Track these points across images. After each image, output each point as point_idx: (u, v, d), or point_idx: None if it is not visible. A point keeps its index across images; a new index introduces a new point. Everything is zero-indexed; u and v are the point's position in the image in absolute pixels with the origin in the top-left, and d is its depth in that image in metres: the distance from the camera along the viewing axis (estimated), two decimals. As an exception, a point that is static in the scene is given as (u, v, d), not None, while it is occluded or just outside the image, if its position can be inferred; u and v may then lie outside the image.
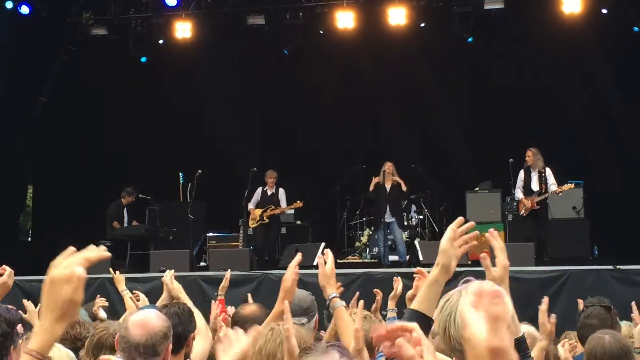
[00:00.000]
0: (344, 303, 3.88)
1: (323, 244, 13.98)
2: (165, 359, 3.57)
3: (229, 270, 7.47)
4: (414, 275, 4.57)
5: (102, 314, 6.27)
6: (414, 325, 1.70)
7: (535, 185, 13.55)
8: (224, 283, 7.08)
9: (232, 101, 17.40)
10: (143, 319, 3.57)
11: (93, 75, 17.37)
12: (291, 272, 4.00)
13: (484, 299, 1.33)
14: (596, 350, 4.27)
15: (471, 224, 3.27)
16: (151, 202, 15.73)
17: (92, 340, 5.26)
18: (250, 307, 4.62)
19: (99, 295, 7.22)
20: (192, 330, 4.20)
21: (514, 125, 16.34)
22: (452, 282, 2.89)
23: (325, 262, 3.80)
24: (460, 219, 3.26)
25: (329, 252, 3.84)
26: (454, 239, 3.18)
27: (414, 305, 3.09)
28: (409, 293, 4.56)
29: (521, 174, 13.75)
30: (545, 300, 4.79)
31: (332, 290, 3.80)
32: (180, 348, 4.02)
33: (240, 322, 4.50)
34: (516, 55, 16.43)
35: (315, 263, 13.18)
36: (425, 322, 3.03)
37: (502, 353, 1.29)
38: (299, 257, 4.03)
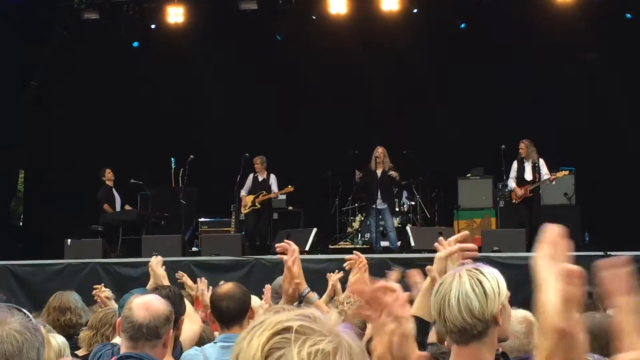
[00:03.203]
0: (317, 296, 3.90)
1: (315, 230, 14.01)
2: (166, 344, 3.60)
3: (183, 274, 7.38)
4: (348, 260, 4.53)
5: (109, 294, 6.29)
6: (397, 285, 1.70)
7: (528, 175, 13.60)
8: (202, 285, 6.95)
9: (224, 86, 17.35)
10: (147, 301, 3.62)
11: (84, 60, 17.31)
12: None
13: (563, 273, 1.30)
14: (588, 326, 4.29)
15: (465, 234, 3.36)
16: (143, 187, 15.72)
17: (97, 316, 5.37)
18: (227, 285, 4.64)
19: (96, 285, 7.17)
20: (182, 313, 4.22)
21: (506, 112, 16.35)
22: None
23: (292, 265, 3.74)
24: (448, 240, 3.33)
25: (294, 250, 3.76)
26: (450, 253, 3.26)
27: (412, 311, 3.11)
28: (352, 278, 4.55)
29: (514, 164, 13.79)
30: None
31: (303, 286, 3.79)
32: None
33: (217, 300, 4.52)
34: (508, 41, 16.40)
35: (307, 249, 13.23)
36: (424, 326, 3.06)
37: (568, 336, 1.27)
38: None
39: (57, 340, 4.34)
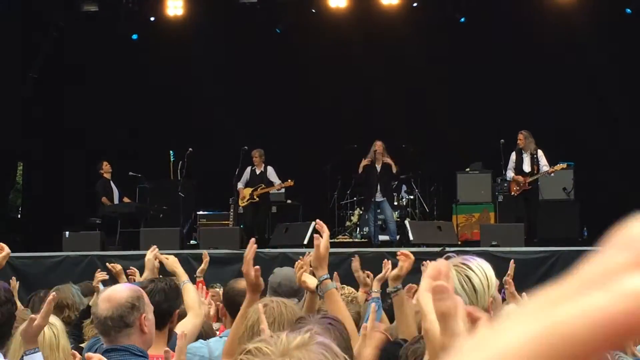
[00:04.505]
0: (335, 285, 3.87)
1: (313, 223, 13.97)
2: (143, 329, 3.56)
3: (206, 252, 7.51)
4: (397, 257, 4.65)
5: (103, 289, 6.22)
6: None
7: (527, 167, 13.58)
8: (203, 266, 7.18)
9: (224, 79, 17.33)
10: (109, 293, 3.62)
11: (83, 52, 17.27)
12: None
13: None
14: None
15: None
16: (142, 179, 15.70)
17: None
18: (244, 282, 4.64)
19: (99, 270, 7.18)
20: (177, 307, 4.20)
21: (505, 106, 16.32)
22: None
23: (320, 244, 3.76)
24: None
25: (324, 230, 3.78)
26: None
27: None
28: (393, 273, 4.62)
29: (513, 155, 13.78)
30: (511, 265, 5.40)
31: (323, 272, 3.78)
32: (164, 324, 4.02)
33: (238, 295, 4.52)
34: (508, 35, 16.38)
35: (305, 242, 13.20)
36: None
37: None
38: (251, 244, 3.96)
39: (51, 329, 4.27)
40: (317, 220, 3.81)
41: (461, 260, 2.69)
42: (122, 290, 3.62)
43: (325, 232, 3.77)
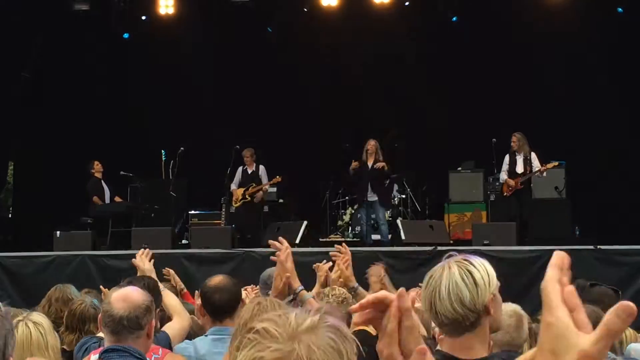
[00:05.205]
0: (311, 295, 3.90)
1: (305, 222, 14.00)
2: (150, 334, 3.58)
3: (170, 270, 7.54)
4: (333, 254, 4.65)
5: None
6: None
7: (520, 168, 13.69)
8: (174, 281, 7.24)
9: (215, 78, 17.30)
10: (125, 293, 3.60)
11: (75, 51, 17.22)
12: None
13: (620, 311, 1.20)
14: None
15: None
16: (133, 179, 15.67)
17: (74, 314, 5.22)
18: (218, 278, 4.63)
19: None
20: (157, 306, 4.19)
21: (497, 105, 16.33)
22: (436, 259, 2.89)
23: (285, 260, 3.74)
24: None
25: (285, 245, 3.76)
26: None
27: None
28: (334, 276, 4.65)
29: (507, 157, 13.89)
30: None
31: (296, 283, 3.78)
32: None
33: (209, 292, 4.51)
34: (500, 35, 16.39)
35: (297, 241, 13.20)
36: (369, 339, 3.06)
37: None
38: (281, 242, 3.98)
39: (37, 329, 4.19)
40: (269, 241, 3.79)
41: (463, 257, 2.73)
42: (137, 292, 3.62)
43: (286, 246, 3.75)
